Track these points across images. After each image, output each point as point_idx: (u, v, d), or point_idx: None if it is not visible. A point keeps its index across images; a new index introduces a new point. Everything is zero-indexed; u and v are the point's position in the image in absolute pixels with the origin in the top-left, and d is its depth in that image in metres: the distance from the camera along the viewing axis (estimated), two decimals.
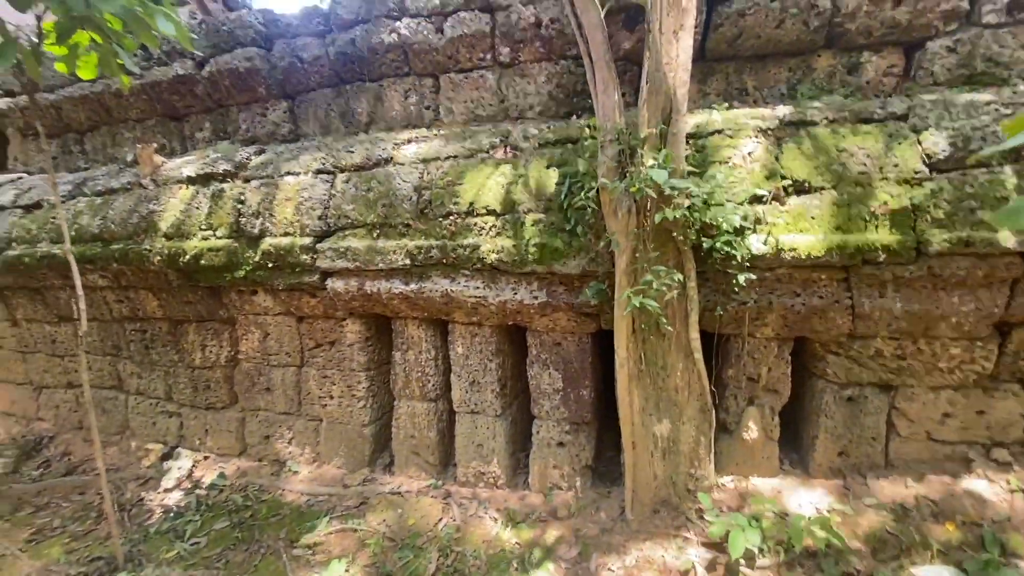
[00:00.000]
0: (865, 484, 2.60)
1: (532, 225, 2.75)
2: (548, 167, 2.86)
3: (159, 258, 3.45)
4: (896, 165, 2.33)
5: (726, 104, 2.98)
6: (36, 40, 2.43)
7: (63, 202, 4.13)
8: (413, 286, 3.03)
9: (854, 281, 2.41)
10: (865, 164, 2.38)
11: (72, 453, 4.34)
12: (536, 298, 2.82)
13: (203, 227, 3.42)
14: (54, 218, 3.98)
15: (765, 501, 2.56)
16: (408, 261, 2.97)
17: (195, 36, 3.94)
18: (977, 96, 2.44)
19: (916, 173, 2.30)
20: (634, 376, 2.61)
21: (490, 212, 2.87)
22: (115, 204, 3.81)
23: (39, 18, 2.37)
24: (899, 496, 2.48)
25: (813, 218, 2.39)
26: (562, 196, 2.68)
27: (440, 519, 3.11)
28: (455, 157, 3.13)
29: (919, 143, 2.36)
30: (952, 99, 2.45)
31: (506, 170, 2.95)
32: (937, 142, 2.32)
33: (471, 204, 2.91)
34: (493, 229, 2.84)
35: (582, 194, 2.54)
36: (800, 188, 2.45)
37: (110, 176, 4.18)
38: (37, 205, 4.26)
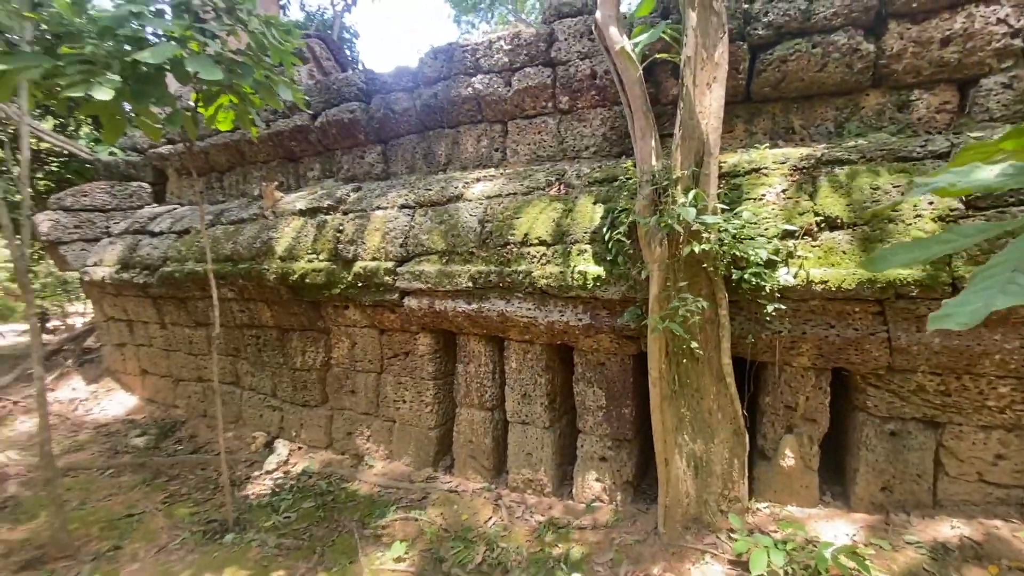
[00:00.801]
0: (908, 521, 2.56)
1: (578, 255, 3.07)
2: (594, 203, 3.18)
3: (274, 276, 4.19)
4: (931, 203, 2.39)
5: (768, 143, 3.14)
6: (193, 105, 3.22)
7: (205, 228, 5.11)
8: (474, 306, 3.46)
9: (889, 314, 2.46)
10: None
11: (198, 436, 5.22)
12: (581, 320, 3.12)
13: (309, 251, 4.12)
14: (199, 242, 4.94)
15: (796, 526, 2.61)
16: (471, 284, 3.40)
17: (310, 96, 4.78)
18: None
19: (952, 211, 2.34)
20: (667, 396, 2.81)
21: (542, 242, 3.24)
22: (244, 231, 4.68)
23: (196, 89, 3.14)
24: (941, 536, 2.43)
25: (844, 253, 2.49)
26: (604, 229, 2.98)
27: (490, 518, 3.44)
28: (515, 194, 3.56)
29: None
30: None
31: (557, 205, 3.32)
32: None
33: (526, 235, 3.30)
34: (544, 257, 3.20)
35: (621, 228, 2.83)
36: (832, 224, 2.57)
37: (240, 208, 5.11)
38: (186, 231, 5.30)
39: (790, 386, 2.83)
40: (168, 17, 2.73)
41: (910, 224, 2.41)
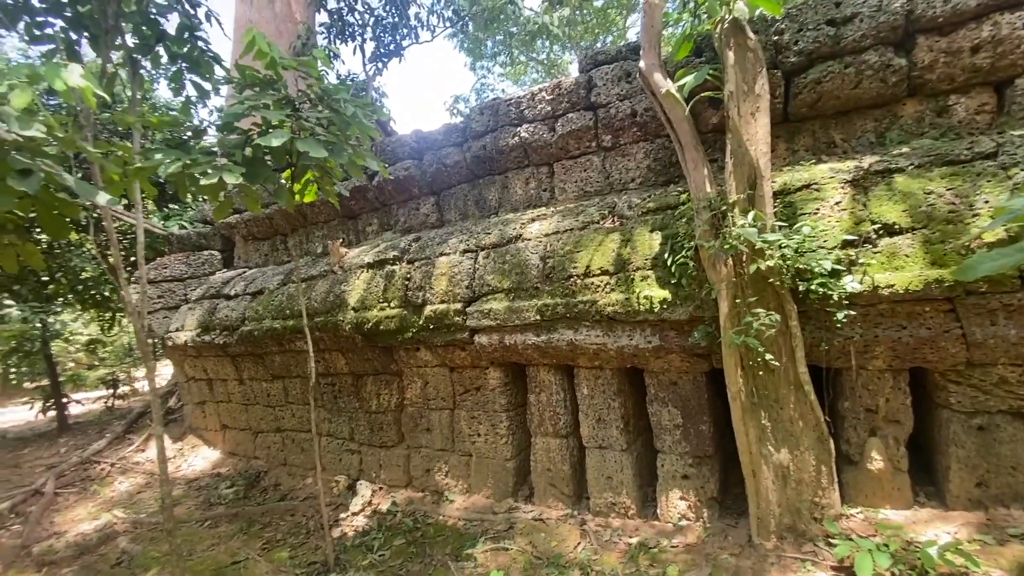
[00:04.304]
0: (1009, 515, 2.56)
1: (641, 280, 3.26)
2: (651, 231, 3.39)
3: (349, 326, 4.51)
4: (987, 202, 2.50)
5: (812, 159, 3.31)
6: (288, 183, 3.61)
7: (277, 287, 5.53)
8: (543, 337, 3.66)
9: (961, 311, 2.55)
10: (954, 203, 2.57)
11: (281, 484, 5.49)
12: (650, 343, 3.28)
13: (380, 300, 4.43)
14: (273, 301, 5.34)
15: (894, 528, 2.63)
16: (538, 317, 3.61)
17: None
18: None
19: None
20: (747, 408, 2.91)
21: (604, 272, 3.44)
22: (315, 287, 5.05)
23: (293, 165, 3.52)
24: None
25: (907, 256, 2.61)
26: (666, 255, 3.17)
27: (578, 543, 3.53)
28: (571, 230, 3.80)
29: (1009, 179, 2.51)
30: None
31: (615, 236, 3.54)
32: None
33: (587, 267, 3.51)
34: (608, 286, 3.40)
35: (683, 252, 3.02)
36: (891, 230, 2.69)
37: (309, 266, 5.51)
38: (260, 292, 5.72)
39: (868, 389, 2.90)
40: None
41: (968, 223, 2.52)
